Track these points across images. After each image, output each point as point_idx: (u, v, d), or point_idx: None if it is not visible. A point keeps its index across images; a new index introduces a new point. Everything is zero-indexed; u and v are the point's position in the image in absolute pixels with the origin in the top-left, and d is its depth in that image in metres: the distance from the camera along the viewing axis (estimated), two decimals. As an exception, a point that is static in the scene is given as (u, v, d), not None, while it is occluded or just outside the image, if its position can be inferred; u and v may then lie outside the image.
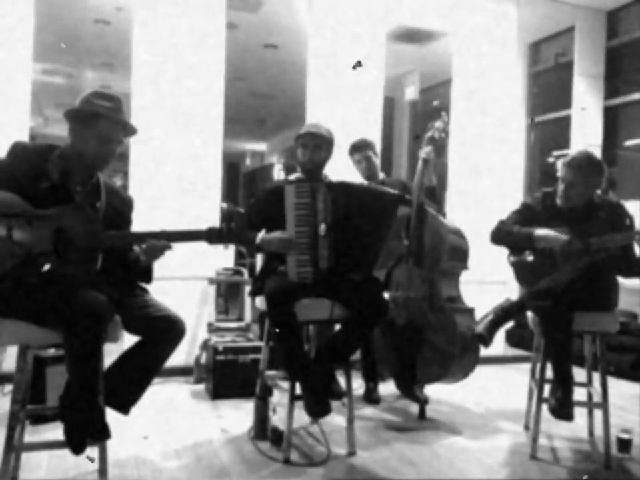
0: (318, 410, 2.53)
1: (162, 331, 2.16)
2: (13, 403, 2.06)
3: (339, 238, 2.61)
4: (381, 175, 3.66)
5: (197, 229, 2.19)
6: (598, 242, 2.61)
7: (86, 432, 2.01)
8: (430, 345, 3.14)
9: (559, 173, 2.79)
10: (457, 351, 3.06)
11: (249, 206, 2.99)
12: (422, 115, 7.50)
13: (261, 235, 2.59)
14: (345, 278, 2.71)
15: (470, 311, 3.20)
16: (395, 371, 3.36)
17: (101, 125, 2.12)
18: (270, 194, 2.80)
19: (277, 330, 2.57)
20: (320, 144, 2.80)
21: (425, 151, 3.31)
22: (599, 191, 2.85)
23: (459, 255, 3.21)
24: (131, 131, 2.25)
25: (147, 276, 2.30)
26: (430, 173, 3.30)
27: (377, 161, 3.69)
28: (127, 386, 2.20)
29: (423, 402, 3.29)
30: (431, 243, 3.20)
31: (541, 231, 2.72)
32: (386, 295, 3.33)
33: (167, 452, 2.67)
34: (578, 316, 2.62)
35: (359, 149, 3.62)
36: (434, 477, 2.52)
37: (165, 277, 3.80)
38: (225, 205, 4.93)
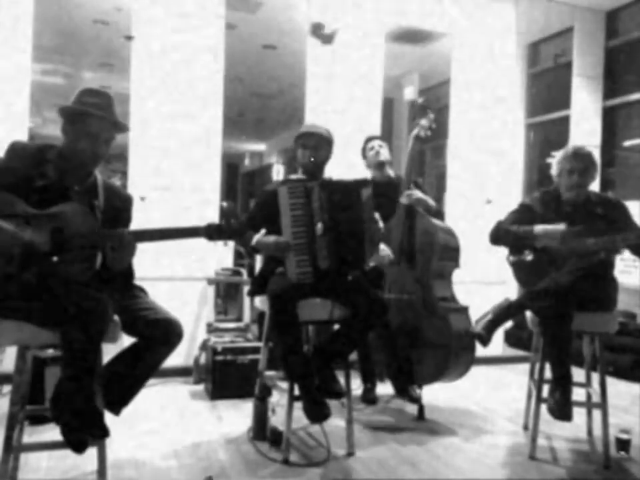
0: (317, 415, 2.52)
1: (160, 335, 2.13)
2: (12, 403, 2.05)
3: (337, 236, 2.61)
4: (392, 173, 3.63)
5: (195, 225, 2.17)
6: (597, 243, 2.61)
7: (83, 432, 1.99)
8: (425, 346, 3.14)
9: (566, 165, 2.79)
10: (452, 351, 3.06)
11: (250, 210, 3.04)
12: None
13: (257, 237, 2.59)
14: (345, 278, 2.70)
15: (464, 310, 3.20)
16: (392, 372, 3.36)
17: (88, 122, 2.12)
18: (266, 196, 2.79)
19: (279, 330, 2.57)
20: (319, 143, 2.81)
21: (420, 125, 3.32)
22: (597, 190, 2.86)
23: (450, 253, 3.21)
24: (121, 127, 2.23)
25: (128, 274, 2.26)
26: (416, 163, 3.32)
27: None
28: (120, 386, 2.18)
29: (419, 401, 3.27)
30: (421, 242, 3.20)
31: (540, 227, 2.73)
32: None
33: (166, 452, 2.67)
34: (577, 316, 2.62)
35: (376, 137, 3.68)
36: (433, 477, 2.52)
37: (164, 277, 3.83)
38: (224, 204, 4.93)
